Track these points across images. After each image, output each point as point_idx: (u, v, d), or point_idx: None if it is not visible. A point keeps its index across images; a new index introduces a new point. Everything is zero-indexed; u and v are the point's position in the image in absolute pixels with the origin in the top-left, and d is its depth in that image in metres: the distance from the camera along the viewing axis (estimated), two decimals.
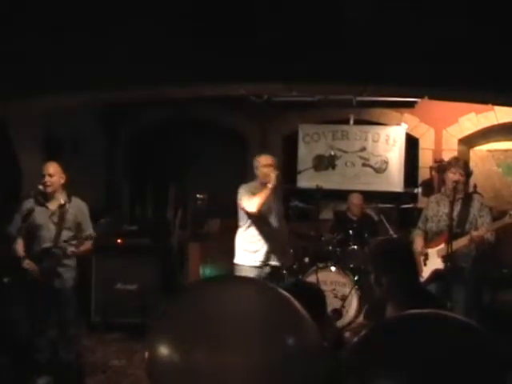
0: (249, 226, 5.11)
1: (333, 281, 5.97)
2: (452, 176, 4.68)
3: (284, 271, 5.33)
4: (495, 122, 7.45)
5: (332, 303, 5.30)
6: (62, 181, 4.77)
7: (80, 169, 6.54)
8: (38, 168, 4.80)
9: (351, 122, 7.87)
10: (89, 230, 4.77)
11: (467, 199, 4.77)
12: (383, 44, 4.05)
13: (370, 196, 7.23)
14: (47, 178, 4.66)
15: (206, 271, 6.97)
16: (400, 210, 7.43)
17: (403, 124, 7.76)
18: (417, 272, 3.46)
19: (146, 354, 0.89)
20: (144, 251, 6.45)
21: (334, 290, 5.85)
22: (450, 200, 4.63)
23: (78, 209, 4.79)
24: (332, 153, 7.44)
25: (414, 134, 7.87)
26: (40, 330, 4.49)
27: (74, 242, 4.65)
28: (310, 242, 6.49)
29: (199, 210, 7.49)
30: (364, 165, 7.83)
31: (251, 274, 4.95)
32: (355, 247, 6.34)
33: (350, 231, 6.44)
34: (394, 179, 7.72)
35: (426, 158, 7.83)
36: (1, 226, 4.87)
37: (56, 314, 4.59)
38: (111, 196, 8.16)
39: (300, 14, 4.06)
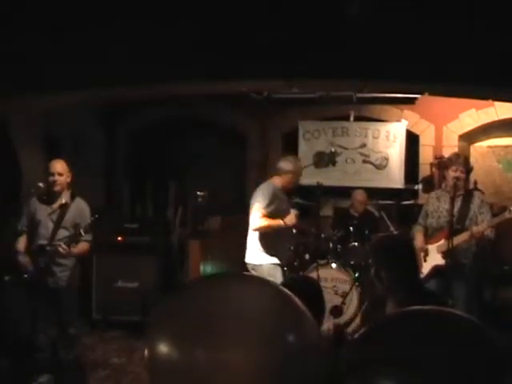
0: None
1: (333, 277, 5.97)
2: (453, 172, 4.68)
3: (285, 268, 5.34)
4: (495, 118, 7.44)
5: (332, 300, 5.31)
6: (69, 179, 4.72)
7: (80, 168, 6.54)
8: (37, 167, 4.79)
9: (351, 118, 7.86)
10: (86, 231, 4.64)
11: (468, 196, 4.77)
12: (383, 41, 4.05)
13: (370, 192, 7.22)
14: (56, 177, 4.60)
15: (207, 269, 6.97)
16: (400, 206, 7.42)
17: (403, 120, 7.76)
18: (417, 269, 3.46)
19: (146, 352, 0.89)
20: (144, 249, 6.46)
21: (335, 286, 5.86)
22: (450, 196, 4.64)
23: (79, 209, 4.72)
24: (332, 149, 7.44)
25: (415, 130, 7.86)
26: (40, 329, 4.48)
27: (68, 242, 4.52)
28: (311, 239, 6.49)
29: (199, 207, 7.48)
30: (364, 161, 7.83)
31: (270, 273, 4.92)
32: (356, 244, 6.34)
33: (351, 228, 6.45)
34: (394, 176, 7.72)
35: (426, 155, 7.82)
36: (0, 225, 4.87)
37: (55, 313, 4.57)
38: (111, 194, 8.17)
39: (300, 14, 4.06)
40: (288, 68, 4.11)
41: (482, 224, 4.54)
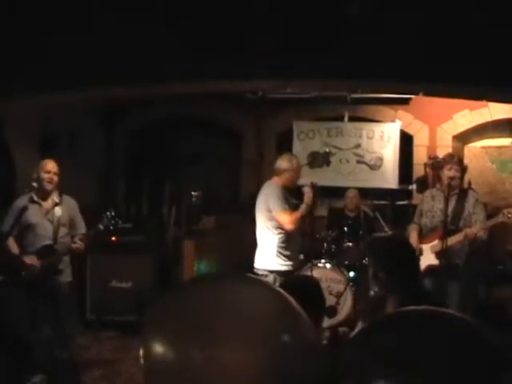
0: (281, 232, 4.84)
1: (328, 278, 5.97)
2: (447, 172, 4.69)
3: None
4: (489, 119, 7.47)
5: (327, 300, 5.30)
6: (58, 178, 4.77)
7: (76, 166, 6.52)
8: (32, 167, 4.77)
9: (346, 118, 7.88)
10: (82, 225, 4.79)
11: (462, 195, 4.77)
12: (377, 41, 4.06)
13: (364, 193, 7.24)
14: (51, 176, 4.64)
15: (201, 268, 6.96)
16: (394, 206, 7.43)
17: (397, 121, 7.77)
18: (418, 270, 3.42)
19: (141, 352, 0.89)
20: (139, 249, 6.45)
21: (329, 287, 5.86)
22: (444, 195, 4.65)
23: (69, 206, 4.79)
24: (327, 150, 7.44)
25: (409, 130, 7.88)
26: (36, 328, 4.47)
27: (82, 238, 4.67)
28: (305, 239, 6.49)
29: (194, 207, 7.48)
30: (359, 161, 7.84)
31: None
32: (350, 244, 6.34)
33: (345, 228, 6.45)
34: (388, 176, 7.73)
35: (420, 155, 7.84)
36: None
37: (53, 311, 4.57)
38: (107, 193, 8.14)
39: (299, 14, 4.06)
40: (288, 68, 4.10)
41: (475, 226, 4.54)
